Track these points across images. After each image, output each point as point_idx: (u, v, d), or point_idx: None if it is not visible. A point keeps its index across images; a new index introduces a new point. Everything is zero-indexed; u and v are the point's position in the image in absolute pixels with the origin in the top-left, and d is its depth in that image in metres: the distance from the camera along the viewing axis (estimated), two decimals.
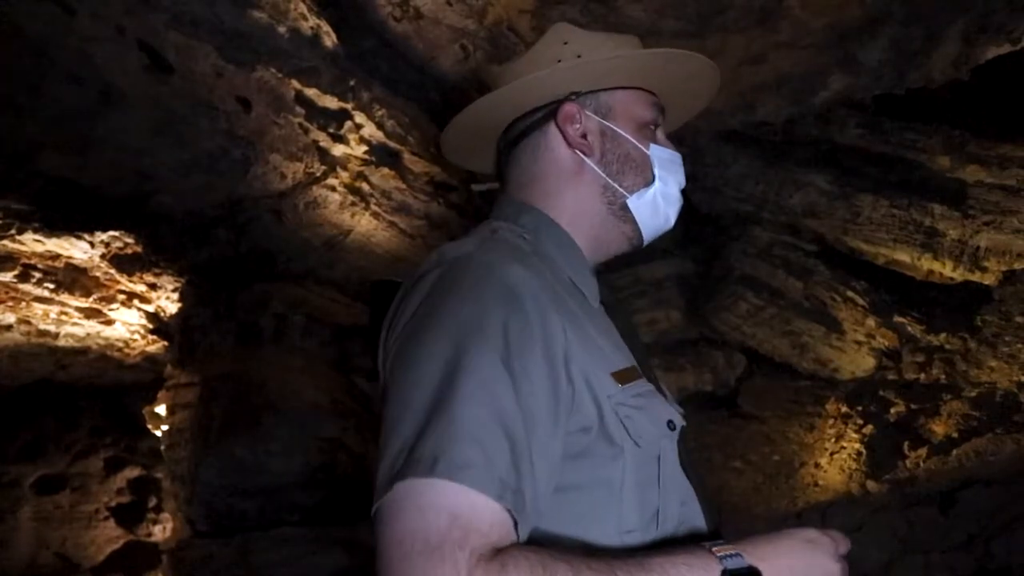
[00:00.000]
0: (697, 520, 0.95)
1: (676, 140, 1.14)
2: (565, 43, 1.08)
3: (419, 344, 0.83)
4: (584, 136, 1.06)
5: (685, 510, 0.93)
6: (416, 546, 0.69)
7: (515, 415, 0.77)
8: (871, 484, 4.14)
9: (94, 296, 5.14)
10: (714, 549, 0.79)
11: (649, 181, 1.07)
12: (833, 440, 4.46)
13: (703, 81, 1.16)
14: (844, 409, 4.51)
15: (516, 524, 0.75)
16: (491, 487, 0.72)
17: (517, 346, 0.80)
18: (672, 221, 1.11)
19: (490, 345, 0.79)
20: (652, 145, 1.08)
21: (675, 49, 1.08)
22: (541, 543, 0.80)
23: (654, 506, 0.89)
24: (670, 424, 0.94)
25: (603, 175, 1.06)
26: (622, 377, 0.90)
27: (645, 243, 1.11)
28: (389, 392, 0.84)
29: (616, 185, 1.06)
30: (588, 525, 0.85)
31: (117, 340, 6.08)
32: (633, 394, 0.90)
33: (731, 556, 0.78)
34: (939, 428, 4.08)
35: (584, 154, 1.06)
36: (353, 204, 4.01)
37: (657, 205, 1.07)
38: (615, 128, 1.07)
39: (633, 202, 1.06)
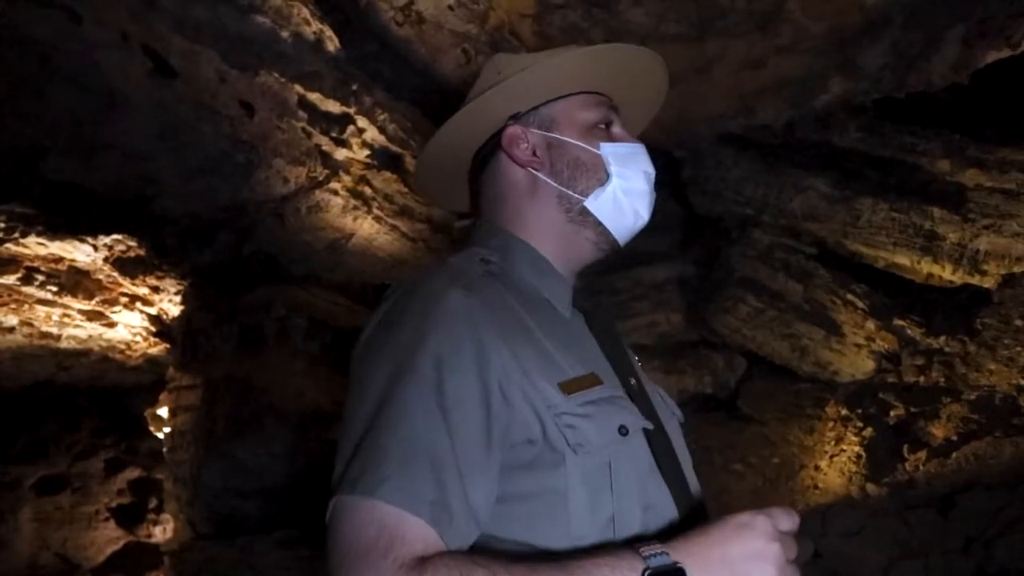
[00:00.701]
0: (667, 526, 0.93)
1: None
2: (499, 73, 1.10)
3: (364, 368, 0.91)
4: (535, 153, 1.09)
5: (650, 516, 0.92)
6: (348, 555, 0.78)
7: (440, 437, 0.83)
8: (871, 487, 4.15)
9: (96, 299, 5.16)
10: (641, 549, 0.79)
11: (604, 180, 1.07)
12: (833, 443, 4.47)
13: (647, 69, 1.16)
14: (844, 412, 4.52)
15: (442, 535, 0.80)
16: (409, 502, 0.79)
17: (449, 371, 0.86)
18: (645, 215, 1.11)
19: (420, 374, 0.86)
20: (603, 144, 1.08)
21: (601, 45, 1.10)
22: (490, 548, 0.84)
23: (608, 512, 0.89)
24: (621, 429, 0.93)
25: (556, 185, 1.08)
26: (570, 387, 0.92)
27: (621, 243, 1.11)
28: (343, 413, 0.93)
29: (570, 192, 1.07)
30: (539, 532, 0.87)
31: (119, 342, 6.10)
32: (581, 402, 0.91)
33: (656, 555, 0.78)
34: (938, 431, 4.08)
35: (536, 170, 1.08)
36: (355, 208, 4.03)
37: (619, 201, 1.08)
38: (560, 137, 1.09)
39: (591, 203, 1.07)
